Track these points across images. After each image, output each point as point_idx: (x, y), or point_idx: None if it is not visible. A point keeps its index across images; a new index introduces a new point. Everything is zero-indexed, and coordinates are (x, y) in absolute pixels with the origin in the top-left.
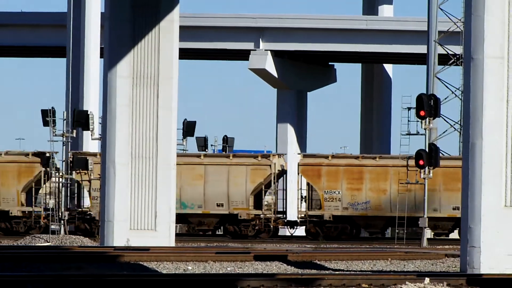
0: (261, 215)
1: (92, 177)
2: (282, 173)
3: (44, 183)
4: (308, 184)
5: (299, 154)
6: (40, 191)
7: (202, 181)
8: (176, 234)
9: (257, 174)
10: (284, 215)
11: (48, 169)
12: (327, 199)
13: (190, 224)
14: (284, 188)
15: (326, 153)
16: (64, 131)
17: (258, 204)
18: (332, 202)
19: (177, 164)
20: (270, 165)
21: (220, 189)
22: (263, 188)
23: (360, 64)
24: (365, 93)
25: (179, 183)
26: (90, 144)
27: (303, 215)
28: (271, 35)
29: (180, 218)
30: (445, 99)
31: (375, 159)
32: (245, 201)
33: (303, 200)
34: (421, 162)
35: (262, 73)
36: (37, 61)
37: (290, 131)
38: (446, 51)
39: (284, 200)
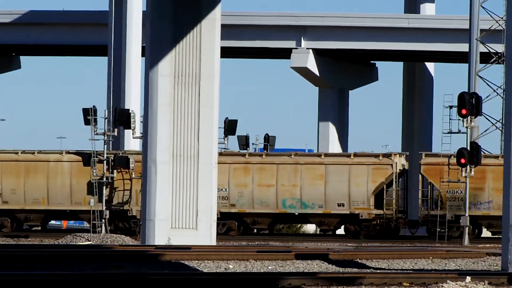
0: (383, 215)
1: (133, 176)
2: (403, 172)
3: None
4: (430, 183)
5: (421, 153)
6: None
7: (323, 181)
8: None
9: (378, 174)
10: (405, 215)
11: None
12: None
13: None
14: (405, 187)
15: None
16: (106, 130)
17: (379, 203)
18: (454, 202)
19: (298, 163)
20: (391, 165)
21: (341, 189)
22: (385, 188)
23: (402, 62)
24: (406, 91)
25: (299, 182)
26: (132, 142)
27: (425, 215)
28: (312, 34)
29: (301, 218)
30: (487, 97)
31: (497, 158)
32: (366, 201)
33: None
34: (462, 161)
35: (303, 72)
36: (79, 60)
37: (331, 130)
38: (488, 49)
39: (405, 200)
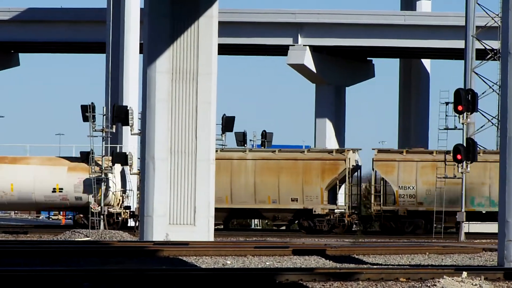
0: (335, 210)
1: (131, 172)
2: (357, 168)
3: None
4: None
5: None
6: None
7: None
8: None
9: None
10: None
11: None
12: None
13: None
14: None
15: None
16: (104, 127)
17: (333, 199)
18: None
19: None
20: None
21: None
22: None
23: (398, 59)
24: (403, 88)
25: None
26: (130, 139)
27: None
28: (309, 31)
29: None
30: (483, 93)
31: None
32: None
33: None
34: (458, 157)
35: (300, 69)
36: (77, 57)
37: (328, 126)
38: (484, 46)
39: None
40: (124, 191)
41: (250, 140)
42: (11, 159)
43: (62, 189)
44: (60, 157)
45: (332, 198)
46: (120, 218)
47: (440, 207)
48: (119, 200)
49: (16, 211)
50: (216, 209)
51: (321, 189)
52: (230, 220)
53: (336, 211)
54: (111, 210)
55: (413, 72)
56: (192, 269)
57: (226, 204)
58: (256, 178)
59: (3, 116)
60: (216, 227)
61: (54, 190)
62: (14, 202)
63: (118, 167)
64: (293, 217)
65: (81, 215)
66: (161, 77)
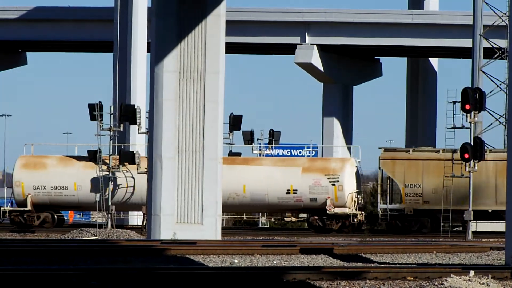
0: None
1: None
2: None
3: None
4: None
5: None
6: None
7: None
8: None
9: None
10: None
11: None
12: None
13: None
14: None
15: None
16: (111, 125)
17: None
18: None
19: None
20: None
21: None
22: None
23: (406, 58)
24: (410, 87)
25: None
26: (137, 138)
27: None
28: (317, 30)
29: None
30: (490, 92)
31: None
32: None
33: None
34: (466, 156)
35: (308, 67)
36: (84, 56)
37: (336, 125)
38: (491, 44)
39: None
40: (359, 193)
41: (258, 139)
42: (242, 160)
43: (296, 190)
44: (294, 156)
45: None
46: (355, 220)
47: (447, 205)
48: (355, 201)
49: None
50: None
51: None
52: None
53: None
54: (346, 211)
55: (421, 71)
56: (199, 268)
57: None
58: None
59: (10, 114)
60: None
61: (288, 192)
62: (246, 203)
63: (351, 168)
64: None
65: (316, 217)
66: (169, 76)
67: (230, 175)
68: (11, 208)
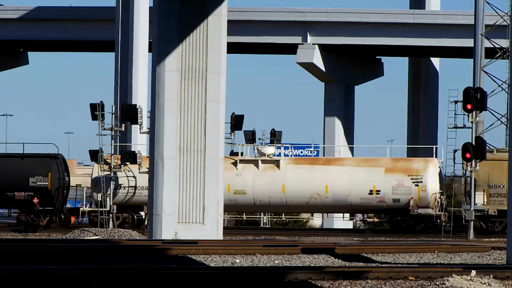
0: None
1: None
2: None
3: None
4: None
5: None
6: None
7: None
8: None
9: None
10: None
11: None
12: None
13: None
14: None
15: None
16: (113, 125)
17: None
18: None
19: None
20: None
21: None
22: None
23: (407, 58)
24: (412, 86)
25: None
26: (139, 138)
27: None
28: (318, 29)
29: None
30: (492, 92)
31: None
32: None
33: None
34: (467, 155)
35: (309, 67)
36: (86, 56)
37: (337, 125)
38: (493, 44)
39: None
40: (442, 193)
41: (259, 138)
42: (324, 160)
43: (379, 191)
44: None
45: None
46: (439, 221)
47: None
48: (438, 202)
49: None
50: None
51: None
52: None
53: None
54: (430, 212)
55: (422, 71)
56: (201, 267)
57: None
58: None
59: (12, 114)
60: None
61: (370, 192)
62: (329, 204)
63: (434, 169)
64: None
65: (399, 218)
66: (170, 76)
67: (312, 175)
68: (90, 209)
